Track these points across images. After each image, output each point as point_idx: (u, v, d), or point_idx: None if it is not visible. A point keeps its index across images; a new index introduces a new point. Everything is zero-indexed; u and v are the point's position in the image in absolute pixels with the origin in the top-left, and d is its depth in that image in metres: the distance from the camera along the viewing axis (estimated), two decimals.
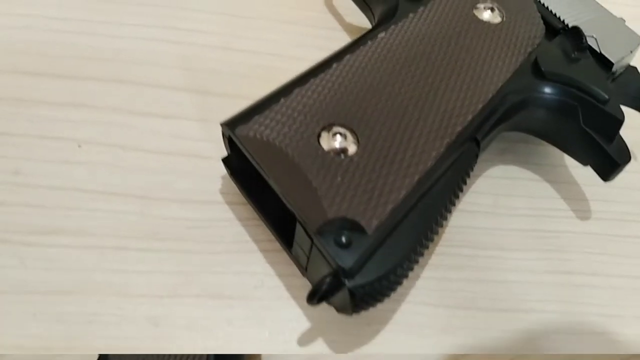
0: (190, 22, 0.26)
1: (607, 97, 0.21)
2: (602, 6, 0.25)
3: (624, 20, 0.25)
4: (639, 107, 0.24)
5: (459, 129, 0.19)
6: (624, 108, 0.22)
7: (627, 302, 0.22)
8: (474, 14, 0.22)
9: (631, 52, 0.23)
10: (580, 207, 0.24)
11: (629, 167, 0.25)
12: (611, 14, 0.24)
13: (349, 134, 0.17)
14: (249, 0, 0.27)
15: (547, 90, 0.22)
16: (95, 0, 0.26)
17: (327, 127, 0.18)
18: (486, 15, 0.22)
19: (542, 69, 0.21)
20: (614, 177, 0.21)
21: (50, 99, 0.23)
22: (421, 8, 0.22)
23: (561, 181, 0.24)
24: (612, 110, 0.21)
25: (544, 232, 0.23)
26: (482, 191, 0.23)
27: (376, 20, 0.24)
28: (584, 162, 0.22)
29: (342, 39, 0.27)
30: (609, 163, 0.21)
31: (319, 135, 0.17)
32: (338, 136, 0.17)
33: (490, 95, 0.20)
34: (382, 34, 0.21)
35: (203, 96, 0.24)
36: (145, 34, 0.25)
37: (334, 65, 0.20)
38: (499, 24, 0.22)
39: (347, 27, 0.28)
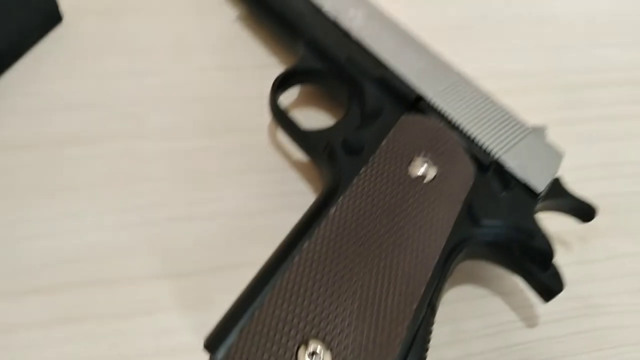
0: (146, 196, 0.27)
1: (535, 234, 0.24)
2: (523, 124, 0.27)
3: (546, 129, 0.28)
4: (572, 214, 0.27)
5: (417, 302, 0.21)
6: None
7: None
8: (409, 173, 0.24)
9: (554, 175, 0.26)
10: (531, 314, 0.27)
11: (566, 260, 0.28)
12: (534, 129, 0.27)
13: (323, 351, 0.19)
14: (196, 160, 0.29)
15: (485, 232, 0.24)
16: (41, 195, 0.27)
17: (304, 343, 0.20)
18: (422, 170, 0.24)
19: (477, 217, 0.24)
20: (550, 299, 0.24)
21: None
22: (363, 169, 0.24)
23: (508, 292, 0.27)
24: (542, 245, 0.24)
25: (506, 348, 0.25)
26: (440, 320, 0.26)
27: (325, 178, 0.26)
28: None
29: (296, 182, 0.29)
30: (545, 291, 0.24)
31: (297, 354, 0.19)
32: (314, 356, 0.19)
33: (437, 259, 0.22)
34: (332, 210, 0.23)
35: (177, 280, 0.25)
36: (108, 222, 0.26)
37: (296, 259, 0.22)
38: (434, 179, 0.24)
39: (297, 166, 0.29)
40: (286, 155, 0.30)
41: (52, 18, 0.33)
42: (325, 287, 0.21)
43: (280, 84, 0.29)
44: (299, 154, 0.29)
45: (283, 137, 0.30)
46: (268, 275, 0.21)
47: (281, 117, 0.28)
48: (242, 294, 0.21)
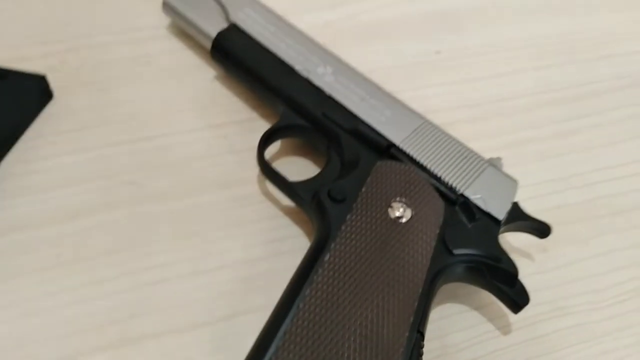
0: (154, 257, 0.30)
1: (501, 257, 0.28)
2: (481, 158, 0.31)
3: (501, 159, 0.32)
4: (531, 232, 0.31)
5: (408, 330, 0.25)
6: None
7: None
8: (389, 216, 0.28)
9: (512, 202, 0.30)
10: (505, 322, 0.30)
11: (530, 270, 0.32)
12: (490, 161, 0.31)
13: None
14: (195, 217, 0.32)
15: (459, 259, 0.28)
16: (63, 267, 0.30)
17: None
18: (399, 212, 0.28)
19: (450, 249, 0.28)
20: (519, 311, 0.28)
21: None
22: (348, 216, 0.28)
23: (483, 305, 0.31)
24: (507, 267, 0.28)
25: (487, 355, 0.29)
26: (428, 338, 0.29)
27: (315, 224, 0.29)
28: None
29: (288, 227, 0.32)
30: (514, 304, 0.28)
31: None
32: None
33: (420, 289, 0.26)
34: (327, 257, 0.27)
35: (193, 332, 0.28)
36: (124, 285, 0.29)
37: (301, 305, 0.25)
38: (411, 218, 0.28)
39: (287, 211, 0.33)
40: (276, 202, 0.33)
41: (44, 96, 0.35)
42: (330, 329, 0.24)
43: (265, 141, 0.32)
44: (287, 201, 0.33)
45: (271, 186, 0.33)
46: (277, 323, 0.25)
47: (270, 173, 0.31)
48: (256, 343, 0.25)
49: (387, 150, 0.31)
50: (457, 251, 0.28)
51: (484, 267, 0.28)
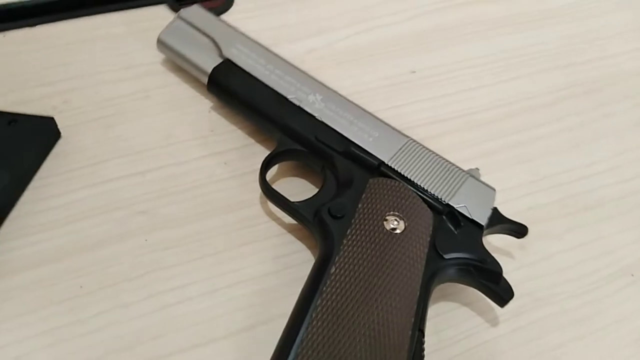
0: (175, 280, 0.33)
1: (486, 258, 0.31)
2: (461, 170, 0.35)
3: (478, 169, 0.35)
4: (510, 234, 0.34)
5: (410, 329, 0.28)
6: None
7: None
8: (385, 229, 0.31)
9: (492, 208, 0.33)
10: (493, 315, 0.34)
11: (511, 267, 0.35)
12: (469, 172, 0.35)
13: None
14: (206, 240, 0.35)
15: (449, 263, 0.31)
16: (88, 296, 0.32)
17: None
18: (394, 224, 0.31)
19: (441, 254, 0.31)
20: (505, 305, 0.32)
21: None
22: (349, 230, 0.31)
23: (472, 301, 0.34)
24: (492, 267, 0.31)
25: (479, 346, 0.33)
26: (426, 334, 0.33)
27: (319, 240, 0.32)
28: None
29: (293, 243, 0.35)
30: (500, 299, 0.32)
31: None
32: None
33: (418, 292, 0.29)
34: (333, 269, 0.30)
35: (216, 345, 0.31)
36: (148, 308, 0.32)
37: (313, 315, 0.28)
38: (404, 230, 0.31)
39: (290, 228, 0.36)
40: (279, 221, 0.36)
41: (53, 137, 0.38)
42: (342, 333, 0.27)
43: (266, 166, 0.35)
44: (289, 219, 0.36)
45: (273, 206, 0.36)
46: (294, 332, 0.28)
47: (272, 195, 0.34)
48: (276, 352, 0.27)
49: (377, 168, 0.34)
50: (447, 255, 0.31)
51: (472, 268, 0.31)
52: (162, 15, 0.46)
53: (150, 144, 0.38)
